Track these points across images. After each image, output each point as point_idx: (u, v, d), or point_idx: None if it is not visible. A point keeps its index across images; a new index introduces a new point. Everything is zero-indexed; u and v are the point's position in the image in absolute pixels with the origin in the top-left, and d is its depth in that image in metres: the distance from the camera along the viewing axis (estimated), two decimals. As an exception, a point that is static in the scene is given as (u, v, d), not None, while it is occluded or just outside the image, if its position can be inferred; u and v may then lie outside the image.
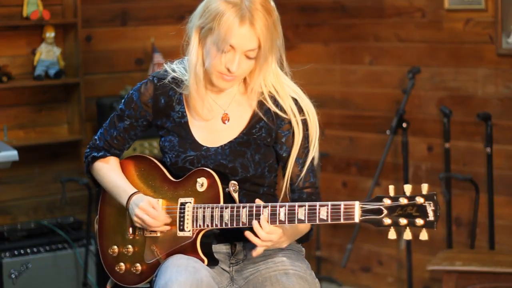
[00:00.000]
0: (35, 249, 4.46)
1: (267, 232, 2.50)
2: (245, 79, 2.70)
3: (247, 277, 2.67)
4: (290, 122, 2.66)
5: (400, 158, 4.72)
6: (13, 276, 4.37)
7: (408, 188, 2.36)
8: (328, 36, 5.13)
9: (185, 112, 2.69)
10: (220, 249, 2.68)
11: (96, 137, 2.83)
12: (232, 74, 2.58)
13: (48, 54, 4.65)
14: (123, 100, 2.77)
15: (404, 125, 4.54)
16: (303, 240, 2.73)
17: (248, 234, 2.52)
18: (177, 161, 2.67)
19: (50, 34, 4.65)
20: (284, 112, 2.66)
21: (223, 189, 2.59)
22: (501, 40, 4.35)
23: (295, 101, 2.68)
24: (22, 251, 4.42)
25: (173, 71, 2.73)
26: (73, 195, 4.82)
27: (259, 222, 2.50)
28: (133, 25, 5.04)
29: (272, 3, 2.63)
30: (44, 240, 4.51)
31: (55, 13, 4.70)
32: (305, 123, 2.67)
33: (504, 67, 4.40)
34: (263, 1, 2.58)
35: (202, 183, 2.61)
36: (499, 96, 4.43)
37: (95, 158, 2.79)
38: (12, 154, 4.09)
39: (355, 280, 5.12)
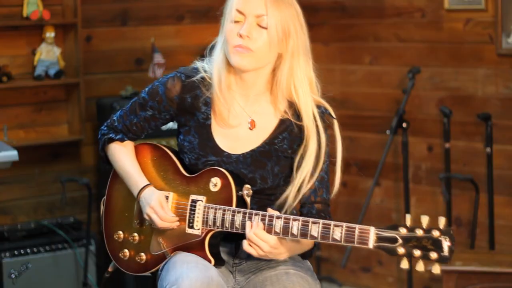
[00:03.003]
0: (35, 249, 4.45)
1: (260, 238, 2.47)
2: (272, 86, 2.65)
3: (248, 276, 2.67)
4: (307, 134, 2.62)
5: (400, 158, 4.72)
6: (13, 276, 4.37)
7: (425, 220, 2.34)
8: (328, 36, 5.13)
9: (210, 114, 2.65)
10: (223, 249, 2.68)
11: (114, 118, 2.78)
12: (244, 41, 2.53)
13: (48, 54, 4.65)
14: (146, 89, 2.72)
15: (404, 125, 4.54)
16: (305, 256, 2.72)
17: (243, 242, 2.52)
18: (197, 163, 2.65)
19: (50, 34, 4.64)
20: (305, 126, 2.62)
21: (237, 192, 2.57)
22: (501, 40, 4.35)
23: (320, 115, 2.64)
24: (22, 251, 4.42)
25: (204, 70, 2.68)
26: (73, 195, 4.82)
27: (251, 225, 2.48)
28: (133, 25, 5.04)
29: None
30: (44, 240, 4.51)
31: (55, 13, 4.70)
32: (319, 137, 2.64)
33: (504, 67, 4.40)
34: None
35: (215, 183, 2.59)
36: (499, 96, 4.43)
37: (112, 140, 2.76)
38: (12, 154, 4.08)
39: (355, 280, 5.12)
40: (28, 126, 4.75)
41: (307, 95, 2.64)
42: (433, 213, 4.69)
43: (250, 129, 2.65)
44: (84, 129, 4.75)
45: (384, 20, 4.87)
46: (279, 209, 2.61)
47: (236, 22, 2.55)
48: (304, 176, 2.61)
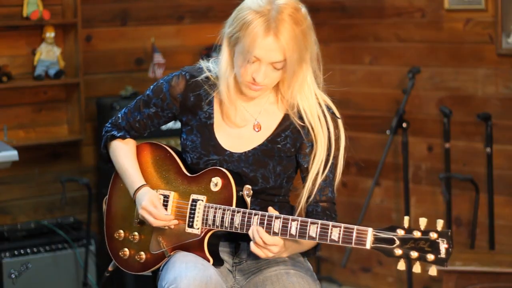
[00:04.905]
0: (35, 249, 4.45)
1: (267, 243, 2.48)
2: (275, 87, 2.66)
3: (248, 276, 2.68)
4: (314, 135, 2.64)
5: (400, 158, 4.72)
6: (13, 276, 4.37)
7: (423, 222, 2.34)
8: (328, 36, 5.12)
9: (212, 114, 2.67)
10: (224, 248, 2.68)
11: (119, 115, 2.80)
12: (259, 84, 2.54)
13: (48, 54, 4.65)
14: (151, 87, 2.74)
15: (404, 125, 4.54)
16: (308, 254, 2.73)
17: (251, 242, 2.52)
18: (198, 162, 2.66)
19: (50, 34, 4.64)
20: (310, 128, 2.63)
21: (237, 192, 2.58)
22: (501, 40, 4.35)
23: (323, 116, 2.65)
24: (22, 251, 4.42)
25: (209, 70, 2.68)
26: (73, 195, 4.82)
27: (257, 230, 2.48)
28: (133, 25, 5.04)
29: (304, 10, 2.57)
30: (44, 240, 4.51)
31: (55, 13, 4.70)
32: (329, 138, 2.65)
33: (504, 67, 4.40)
34: (293, 11, 2.52)
35: (216, 183, 2.60)
36: (499, 96, 4.43)
37: (114, 137, 2.78)
38: (12, 154, 4.09)
39: (355, 280, 5.12)
40: (28, 126, 4.75)
41: (311, 99, 2.64)
42: (433, 213, 4.69)
43: (257, 131, 2.66)
44: (84, 129, 4.76)
45: (384, 20, 4.87)
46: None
47: (251, 62, 2.53)
48: (314, 175, 2.62)
